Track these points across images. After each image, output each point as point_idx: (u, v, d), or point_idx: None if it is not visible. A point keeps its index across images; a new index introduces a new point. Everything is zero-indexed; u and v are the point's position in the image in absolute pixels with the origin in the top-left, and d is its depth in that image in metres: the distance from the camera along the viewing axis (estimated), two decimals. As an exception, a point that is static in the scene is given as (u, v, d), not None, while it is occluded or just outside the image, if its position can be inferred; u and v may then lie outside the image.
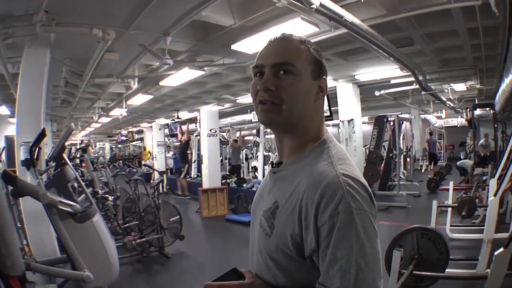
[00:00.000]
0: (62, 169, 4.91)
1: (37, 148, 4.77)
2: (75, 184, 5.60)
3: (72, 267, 4.70)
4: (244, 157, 21.67)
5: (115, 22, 5.98)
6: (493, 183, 6.54)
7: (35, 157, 4.74)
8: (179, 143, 18.83)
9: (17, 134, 5.78)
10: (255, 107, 1.49)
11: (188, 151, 19.30)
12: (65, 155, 5.03)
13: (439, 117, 24.89)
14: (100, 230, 4.96)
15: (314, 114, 1.50)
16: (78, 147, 18.08)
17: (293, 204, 1.35)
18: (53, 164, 5.27)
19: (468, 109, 16.49)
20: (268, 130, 16.02)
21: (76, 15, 5.66)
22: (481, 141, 15.57)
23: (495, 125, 14.74)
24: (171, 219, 8.10)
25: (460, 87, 13.05)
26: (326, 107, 10.23)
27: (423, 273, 4.64)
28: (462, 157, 17.49)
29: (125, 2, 5.48)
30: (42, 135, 4.73)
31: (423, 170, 21.88)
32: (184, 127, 17.62)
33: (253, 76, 1.51)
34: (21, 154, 5.50)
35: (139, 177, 8.31)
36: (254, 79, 1.49)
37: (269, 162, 16.15)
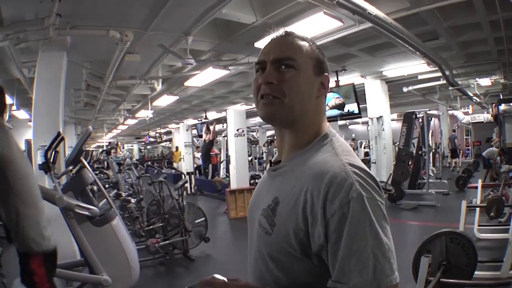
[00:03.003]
0: (80, 172, 4.86)
1: (54, 152, 4.73)
2: (95, 188, 5.54)
3: (89, 270, 4.66)
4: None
5: (133, 23, 5.97)
6: (519, 181, 6.35)
7: (52, 160, 4.70)
8: (203, 143, 18.83)
9: (34, 138, 5.81)
10: (256, 103, 1.47)
11: (213, 152, 19.28)
12: (82, 159, 4.97)
13: (466, 113, 24.57)
14: (120, 233, 4.89)
15: (316, 110, 1.49)
16: (104, 149, 18.18)
17: (296, 197, 1.31)
18: (71, 168, 5.23)
19: (494, 104, 16.20)
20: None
21: (91, 18, 5.67)
22: None
23: (520, 121, 14.46)
24: (196, 221, 8.02)
25: (485, 81, 12.88)
26: (355, 104, 10.14)
27: (451, 280, 4.45)
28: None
29: (140, 2, 5.46)
30: (57, 139, 4.69)
31: (451, 168, 21.53)
32: (211, 127, 17.57)
33: (255, 72, 1.50)
34: (38, 158, 5.50)
35: (163, 179, 8.22)
36: (256, 74, 1.48)
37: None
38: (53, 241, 2.99)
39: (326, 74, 1.50)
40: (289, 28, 4.60)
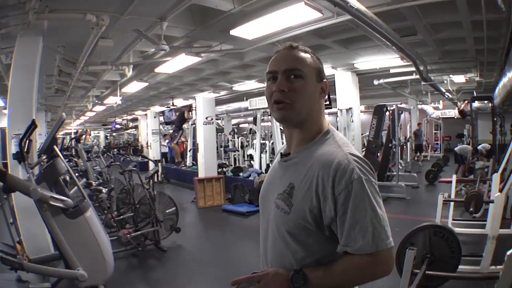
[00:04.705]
0: (53, 162, 4.71)
1: (28, 141, 4.56)
2: (67, 177, 5.37)
3: (65, 265, 4.56)
4: (239, 144, 21.53)
5: (110, 7, 5.76)
6: (496, 178, 6.41)
7: (26, 150, 4.53)
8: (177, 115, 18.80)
9: (9, 126, 5.60)
10: (270, 107, 1.81)
11: (179, 140, 19.30)
12: (56, 147, 4.81)
13: (436, 108, 24.91)
14: (94, 225, 4.79)
15: (318, 111, 1.84)
16: (72, 136, 17.90)
17: (309, 182, 1.66)
18: (44, 157, 5.06)
19: (467, 101, 16.46)
20: (265, 118, 16.52)
21: (69, 1, 5.47)
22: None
23: (494, 119, 14.63)
24: (167, 211, 7.92)
25: (460, 79, 12.92)
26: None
27: (437, 273, 4.46)
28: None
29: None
30: (31, 126, 4.53)
31: (420, 162, 21.71)
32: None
33: (267, 80, 1.83)
34: (12, 147, 5.31)
35: (134, 168, 8.07)
36: (268, 83, 1.82)
37: (265, 150, 16.07)
38: None
39: (325, 80, 1.85)
40: (267, 17, 4.54)
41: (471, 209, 6.88)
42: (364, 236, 1.53)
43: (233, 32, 6.56)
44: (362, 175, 1.58)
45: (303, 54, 1.79)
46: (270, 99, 1.78)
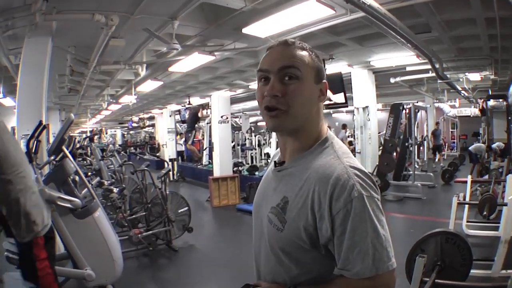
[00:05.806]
0: (61, 162, 4.71)
1: (36, 141, 4.57)
2: (77, 178, 5.37)
3: (73, 265, 4.56)
4: (256, 143, 21.49)
5: (119, 7, 5.79)
6: (510, 179, 6.28)
7: (34, 150, 4.54)
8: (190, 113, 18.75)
9: (18, 126, 5.64)
10: (262, 112, 1.58)
11: (196, 138, 19.29)
12: (64, 148, 4.81)
13: (452, 106, 24.66)
14: (102, 225, 4.78)
15: (316, 115, 1.62)
16: (87, 135, 18.01)
17: (304, 197, 1.48)
18: (53, 157, 5.06)
19: (482, 100, 16.25)
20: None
21: (77, 2, 5.51)
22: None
23: (509, 117, 14.43)
24: (179, 211, 7.89)
25: (475, 77, 12.87)
26: (341, 94, 10.03)
27: (447, 282, 4.35)
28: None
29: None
30: (39, 127, 4.53)
31: (436, 160, 21.46)
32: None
33: (258, 80, 1.62)
34: (21, 147, 5.34)
35: (146, 168, 8.05)
36: (259, 84, 1.61)
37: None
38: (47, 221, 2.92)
39: (324, 81, 1.62)
40: (279, 14, 4.47)
41: (485, 212, 6.73)
42: (363, 259, 1.38)
43: (245, 30, 6.57)
44: (363, 191, 1.40)
45: (300, 52, 1.55)
46: (261, 104, 1.58)
